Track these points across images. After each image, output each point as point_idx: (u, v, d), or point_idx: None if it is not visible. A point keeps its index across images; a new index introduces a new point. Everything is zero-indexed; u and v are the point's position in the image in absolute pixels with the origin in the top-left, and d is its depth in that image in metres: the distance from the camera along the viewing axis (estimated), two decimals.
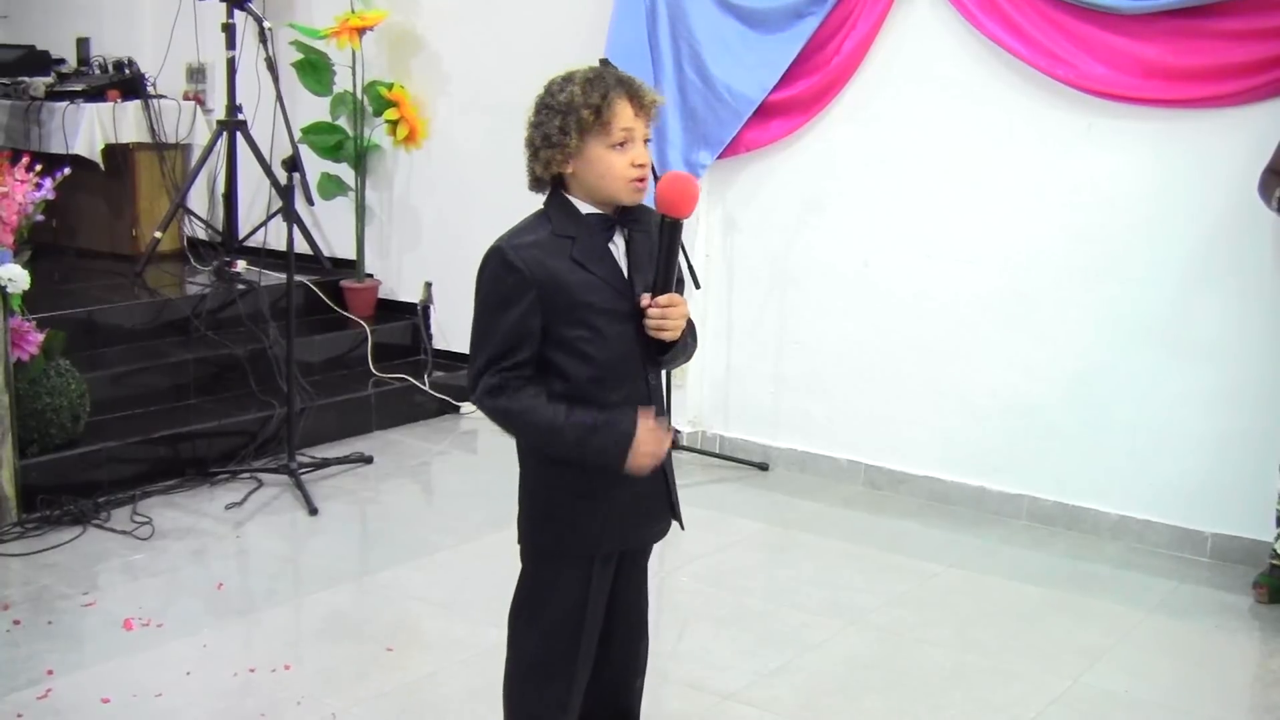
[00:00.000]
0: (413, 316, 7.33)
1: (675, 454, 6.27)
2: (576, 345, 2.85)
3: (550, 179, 2.90)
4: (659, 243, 2.86)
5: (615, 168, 2.83)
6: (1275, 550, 4.78)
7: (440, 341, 7.30)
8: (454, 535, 5.33)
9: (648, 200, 2.92)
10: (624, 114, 2.82)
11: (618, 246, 2.92)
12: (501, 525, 5.37)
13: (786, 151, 6.03)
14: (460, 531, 5.36)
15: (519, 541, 3.08)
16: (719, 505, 5.79)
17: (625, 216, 2.91)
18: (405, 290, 7.42)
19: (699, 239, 6.23)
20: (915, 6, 5.61)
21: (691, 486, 6.03)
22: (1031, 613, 4.72)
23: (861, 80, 5.77)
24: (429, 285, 7.26)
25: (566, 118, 2.81)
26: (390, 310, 7.42)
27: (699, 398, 6.44)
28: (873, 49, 5.71)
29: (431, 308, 7.29)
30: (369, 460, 6.17)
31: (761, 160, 6.08)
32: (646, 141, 2.88)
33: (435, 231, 7.30)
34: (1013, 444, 5.59)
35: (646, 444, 2.85)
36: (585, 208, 2.89)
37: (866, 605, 4.74)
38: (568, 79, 2.86)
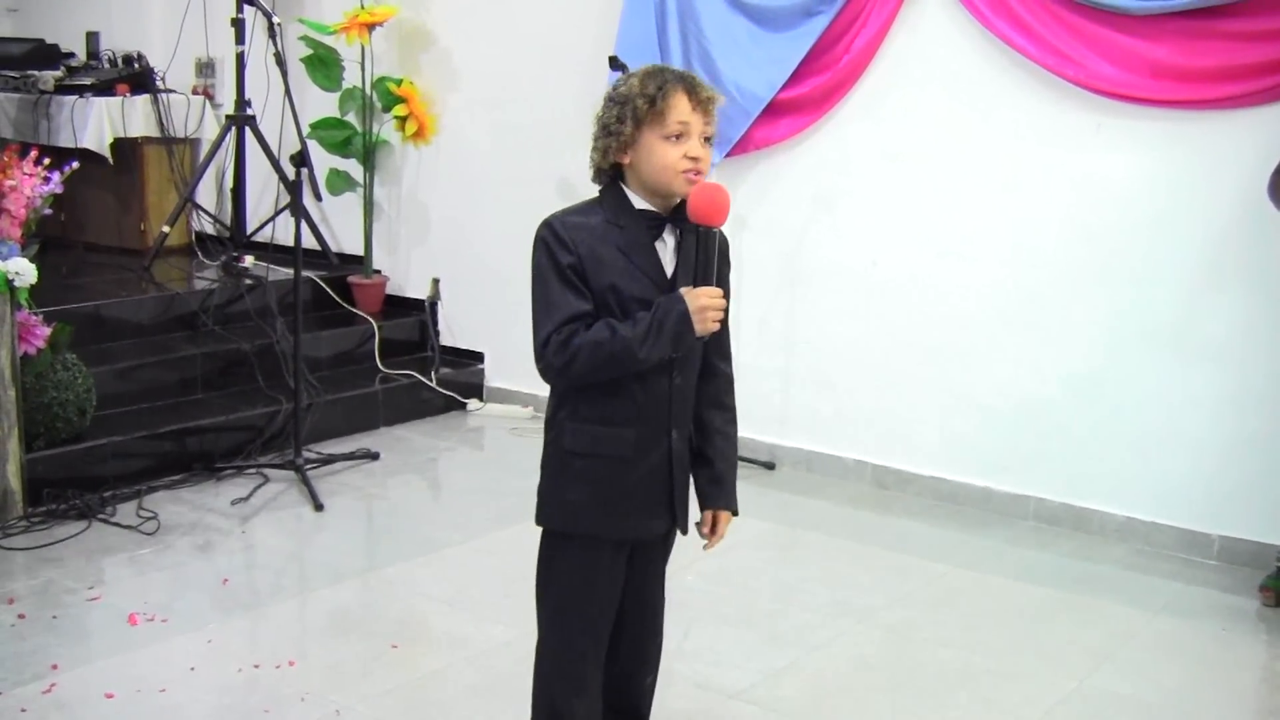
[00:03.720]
0: (420, 313, 7.33)
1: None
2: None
3: (609, 169, 2.96)
4: (694, 250, 2.91)
5: (669, 158, 2.87)
6: None
7: (448, 338, 7.30)
8: (460, 532, 5.32)
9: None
10: (680, 106, 2.87)
11: (666, 244, 2.97)
12: (509, 522, 5.42)
13: (796, 150, 6.02)
14: (467, 528, 5.36)
15: (536, 520, 3.16)
16: None
17: (679, 215, 2.94)
18: (413, 286, 7.42)
19: None
20: (925, 5, 5.60)
21: None
22: (1037, 614, 4.71)
23: (871, 79, 5.76)
24: (437, 281, 7.26)
25: (624, 108, 2.89)
26: (398, 306, 7.42)
27: None
28: (882, 48, 5.70)
29: (439, 304, 7.28)
30: (375, 456, 6.17)
31: (771, 158, 6.07)
32: (708, 140, 2.92)
33: (443, 228, 7.30)
34: (1019, 444, 5.58)
35: (702, 304, 2.90)
36: (640, 202, 2.94)
37: (873, 605, 4.73)
38: (630, 73, 2.96)
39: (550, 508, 3.12)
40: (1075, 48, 5.23)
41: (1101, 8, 5.10)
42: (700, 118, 2.90)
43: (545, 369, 2.95)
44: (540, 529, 3.17)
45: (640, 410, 3.00)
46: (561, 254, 2.90)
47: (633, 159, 2.91)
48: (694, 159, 2.88)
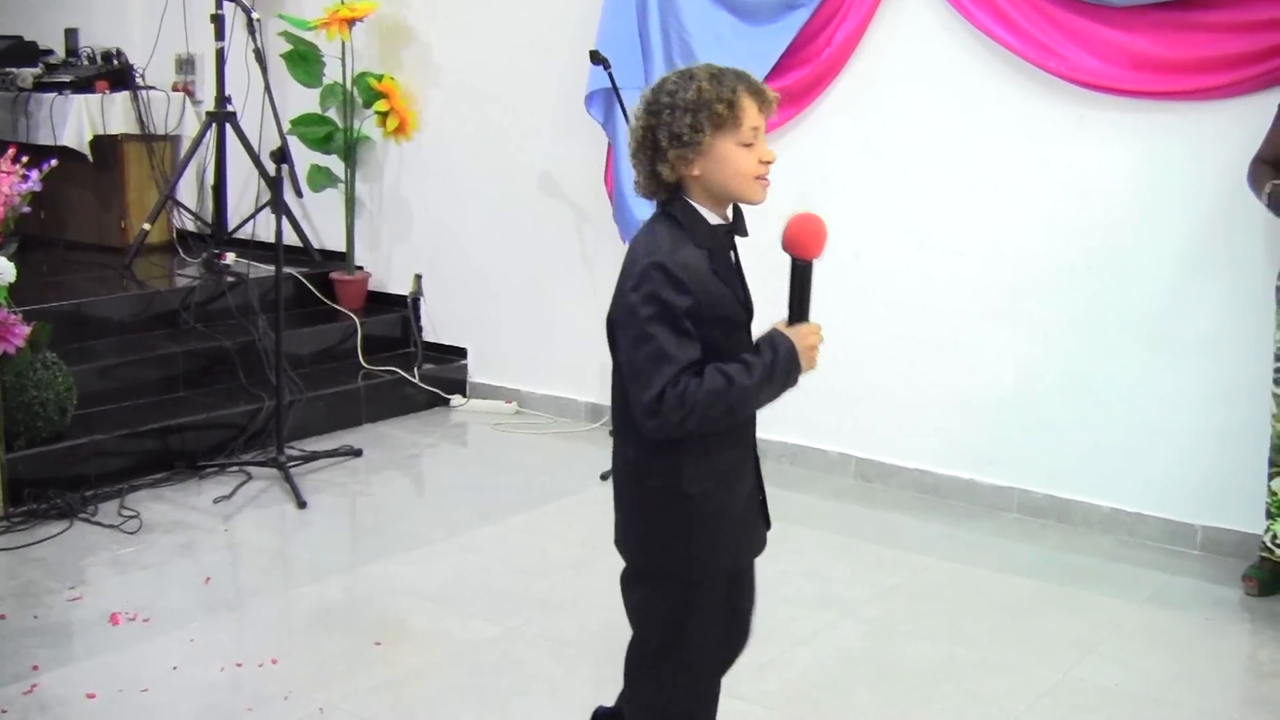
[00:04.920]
0: (403, 309, 7.31)
1: None
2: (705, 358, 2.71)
3: (671, 183, 2.76)
4: (791, 282, 2.82)
5: (745, 165, 2.74)
6: (1265, 543, 4.78)
7: (430, 334, 7.28)
8: (444, 528, 5.31)
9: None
10: (751, 110, 2.74)
11: (734, 256, 2.85)
12: (491, 518, 5.42)
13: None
14: (450, 524, 5.35)
15: (638, 571, 2.93)
16: None
17: (736, 225, 2.84)
18: (395, 282, 7.40)
19: None
20: None
21: None
22: (1022, 606, 4.71)
23: (853, 72, 5.75)
24: (419, 277, 7.24)
25: (698, 114, 2.69)
26: (380, 302, 7.40)
27: None
28: (864, 40, 5.69)
29: (421, 300, 7.27)
30: (358, 453, 6.15)
31: None
32: None
33: (425, 223, 7.28)
34: (1004, 437, 5.58)
35: (810, 343, 2.82)
36: (711, 216, 2.79)
37: (857, 598, 4.73)
38: (687, 75, 2.73)
39: (676, 557, 2.85)
40: (1057, 40, 5.22)
41: (1083, 0, 5.10)
42: (764, 119, 2.79)
43: (660, 426, 2.67)
44: (640, 579, 2.93)
45: (742, 433, 2.90)
46: (678, 298, 2.66)
47: (703, 169, 2.72)
48: (768, 164, 2.78)
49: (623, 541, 2.95)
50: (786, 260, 2.88)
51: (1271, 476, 4.73)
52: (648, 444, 2.76)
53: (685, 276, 2.67)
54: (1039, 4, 5.22)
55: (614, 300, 2.76)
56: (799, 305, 2.83)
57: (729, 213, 2.83)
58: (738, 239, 2.88)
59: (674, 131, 2.69)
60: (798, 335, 2.80)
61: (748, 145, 2.73)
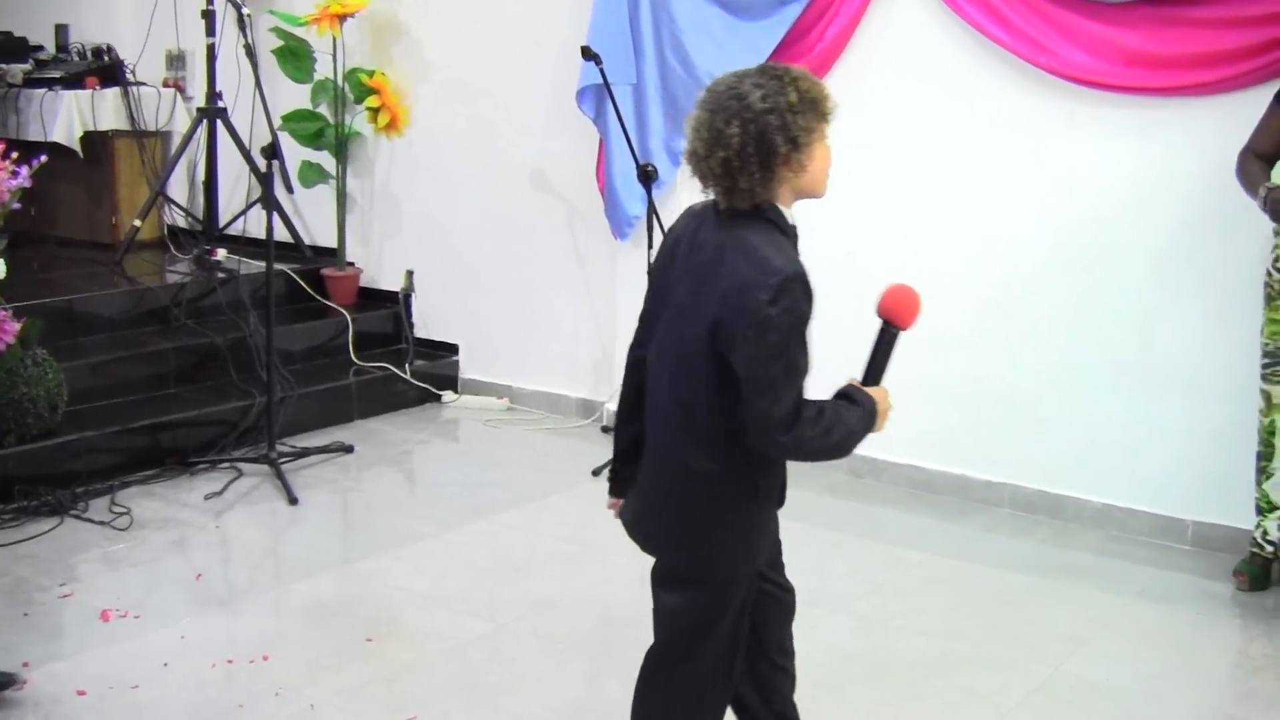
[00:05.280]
0: (394, 305, 7.29)
1: None
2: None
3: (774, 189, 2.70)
4: (876, 345, 2.90)
5: (829, 159, 2.76)
6: (1255, 539, 4.78)
7: (422, 330, 7.27)
8: (435, 525, 5.30)
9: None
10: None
11: None
12: (483, 515, 5.41)
13: None
14: (442, 521, 5.34)
15: (679, 575, 2.94)
16: None
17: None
18: (387, 278, 7.39)
19: None
20: None
21: None
22: (1014, 600, 4.72)
23: (844, 68, 5.75)
24: (410, 273, 7.22)
25: (808, 115, 2.67)
26: (371, 298, 7.38)
27: None
28: (855, 36, 5.69)
29: (413, 296, 7.25)
30: (350, 449, 6.14)
31: None
32: None
33: (417, 219, 7.27)
34: (995, 432, 5.58)
35: (885, 405, 2.87)
36: (789, 217, 2.76)
37: (849, 594, 4.73)
38: (774, 75, 2.68)
39: (736, 559, 2.86)
40: (1048, 35, 5.22)
41: None
42: None
43: (795, 441, 2.67)
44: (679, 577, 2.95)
45: None
46: (809, 310, 2.66)
47: (809, 168, 2.71)
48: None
49: (666, 546, 2.94)
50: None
51: (1260, 472, 4.74)
52: (733, 454, 2.75)
53: (810, 285, 2.67)
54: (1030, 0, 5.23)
55: (734, 310, 2.65)
56: (879, 368, 2.88)
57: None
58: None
59: (791, 135, 2.64)
60: (881, 396, 2.85)
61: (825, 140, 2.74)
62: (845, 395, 2.81)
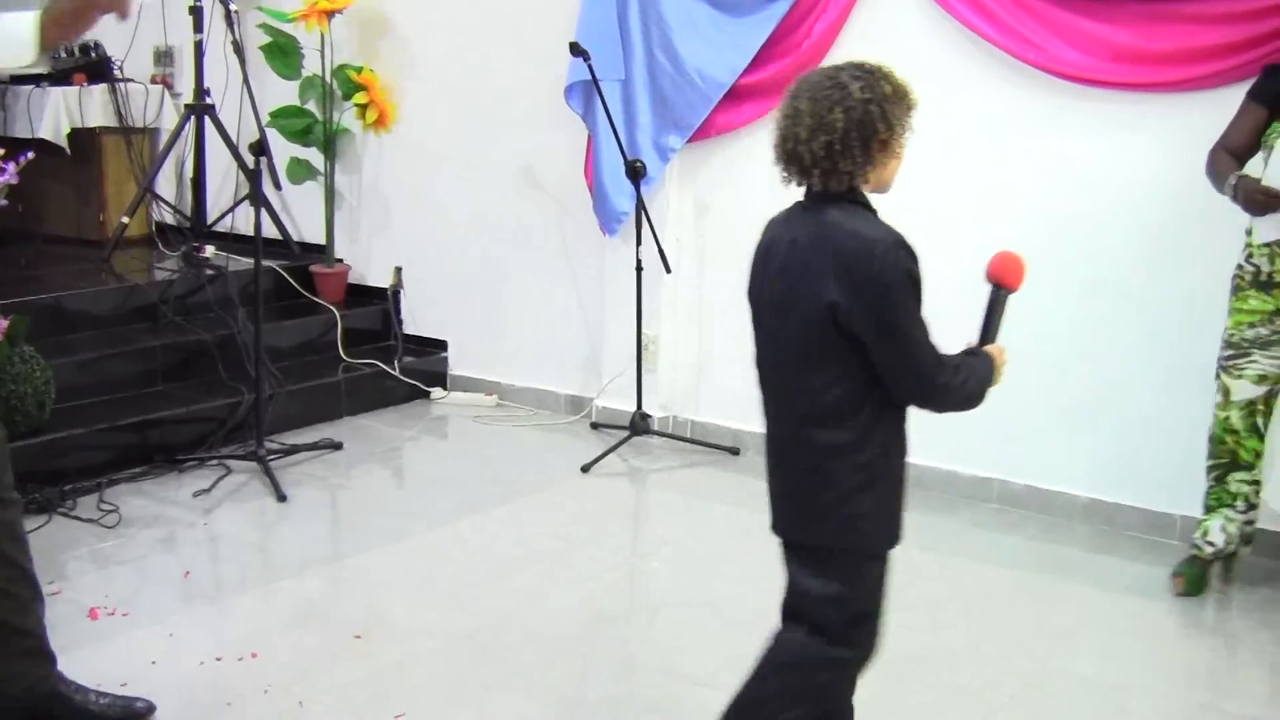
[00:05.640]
0: (383, 301, 7.29)
1: (645, 439, 6.27)
2: None
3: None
4: (989, 307, 3.12)
5: (902, 158, 2.95)
6: (1196, 540, 4.72)
7: (410, 326, 7.27)
8: (424, 521, 5.30)
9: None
10: None
11: None
12: (472, 510, 5.41)
13: (757, 135, 6.00)
14: (431, 517, 5.34)
15: (829, 554, 3.02)
16: (690, 490, 5.79)
17: None
18: (375, 275, 7.38)
19: (669, 223, 6.21)
20: None
21: (663, 471, 6.03)
22: (1003, 596, 4.72)
23: (832, 63, 5.74)
24: (399, 270, 7.23)
25: (902, 104, 2.88)
26: (360, 295, 7.38)
27: (670, 382, 6.42)
28: (843, 32, 5.69)
29: (402, 292, 7.25)
30: (338, 446, 6.14)
31: (732, 144, 6.06)
32: None
33: (405, 216, 7.26)
34: (984, 427, 5.54)
35: (1002, 359, 3.10)
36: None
37: None
38: (867, 69, 2.88)
39: (880, 530, 3.00)
40: (1036, 31, 5.23)
41: None
42: None
43: (944, 388, 2.92)
44: (827, 549, 3.03)
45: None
46: (918, 269, 2.90)
47: (898, 155, 2.94)
48: None
49: (811, 526, 3.03)
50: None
51: (1210, 470, 4.69)
52: (863, 421, 2.88)
53: (914, 250, 2.89)
54: None
55: (854, 286, 2.81)
56: (993, 329, 3.09)
57: None
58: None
59: (891, 122, 2.84)
60: (995, 352, 3.07)
61: None
62: (967, 353, 3.06)
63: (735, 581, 4.80)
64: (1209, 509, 4.70)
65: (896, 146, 2.88)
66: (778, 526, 3.13)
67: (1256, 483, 4.63)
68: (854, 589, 3.02)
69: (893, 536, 3.03)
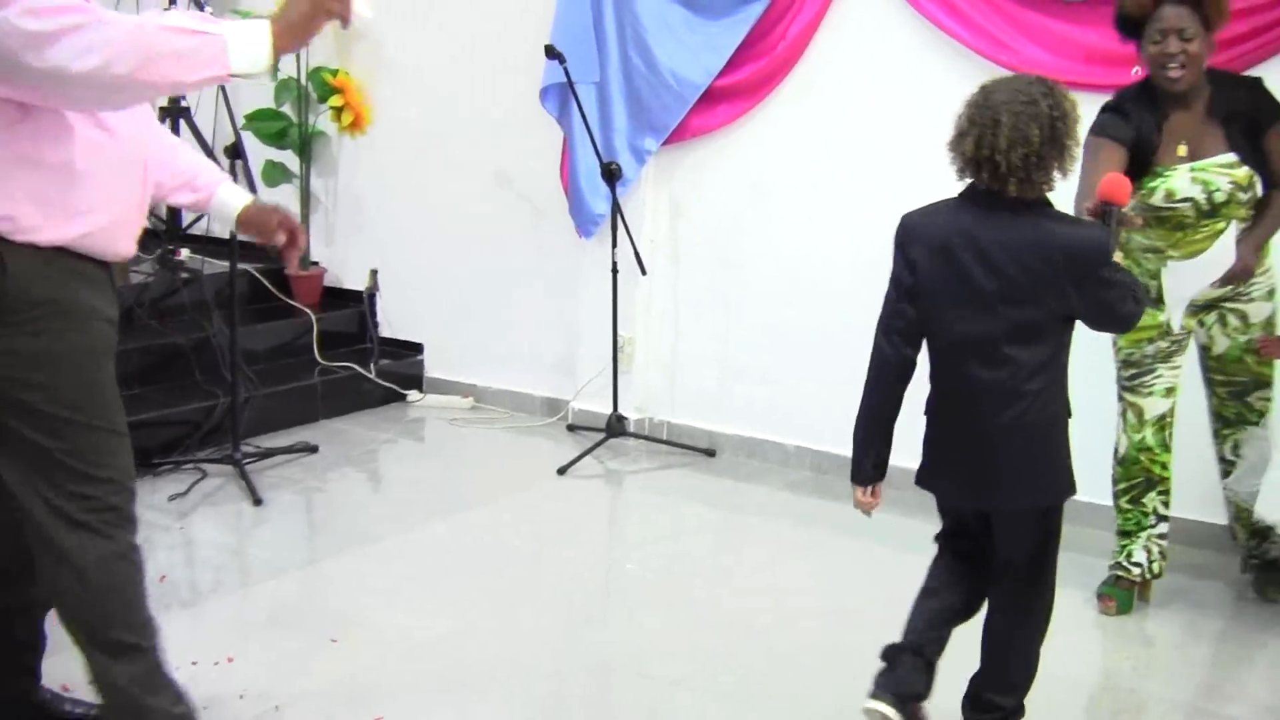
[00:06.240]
0: (359, 304, 7.28)
1: (621, 440, 6.27)
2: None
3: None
4: (1103, 222, 3.32)
5: None
6: (1121, 561, 4.64)
7: (387, 329, 7.25)
8: (400, 524, 5.30)
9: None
10: None
11: None
12: (448, 514, 5.41)
13: (732, 136, 6.03)
14: (407, 520, 5.34)
15: (1061, 498, 3.48)
16: (666, 491, 5.80)
17: None
18: (351, 278, 7.38)
19: (645, 225, 6.22)
20: None
21: (639, 473, 6.04)
22: None
23: (807, 65, 5.77)
24: (375, 273, 7.22)
25: (1077, 121, 3.23)
26: (336, 298, 7.37)
27: (645, 384, 6.43)
28: (818, 34, 5.71)
29: (377, 295, 7.24)
30: (314, 450, 6.13)
31: (707, 145, 6.07)
32: None
33: (381, 219, 7.26)
34: None
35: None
36: None
37: (812, 589, 4.74)
38: (1049, 87, 3.23)
39: (1070, 477, 3.48)
40: (1009, 33, 5.25)
41: None
42: None
43: (1137, 311, 3.32)
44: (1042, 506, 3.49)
45: None
46: None
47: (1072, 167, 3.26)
48: None
49: (1037, 488, 3.43)
50: None
51: (1123, 493, 4.64)
52: (1041, 376, 3.30)
53: None
54: None
55: (1080, 271, 3.18)
56: (1114, 241, 3.33)
57: None
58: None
59: (1075, 137, 3.21)
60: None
61: None
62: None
63: (710, 583, 4.81)
64: (1127, 533, 4.64)
65: (1073, 159, 3.22)
66: (994, 497, 3.46)
67: (1167, 493, 4.60)
68: (1055, 538, 3.64)
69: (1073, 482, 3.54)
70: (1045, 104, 3.15)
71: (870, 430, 3.56)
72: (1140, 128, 4.30)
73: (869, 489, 3.62)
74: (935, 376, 3.42)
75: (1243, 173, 4.27)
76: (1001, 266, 3.22)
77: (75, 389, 3.03)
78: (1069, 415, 3.41)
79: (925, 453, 3.54)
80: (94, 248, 3.00)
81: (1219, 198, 4.28)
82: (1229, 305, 4.48)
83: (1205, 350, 4.61)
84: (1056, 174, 3.19)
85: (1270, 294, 4.49)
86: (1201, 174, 4.29)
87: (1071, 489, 3.46)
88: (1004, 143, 3.16)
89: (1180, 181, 4.30)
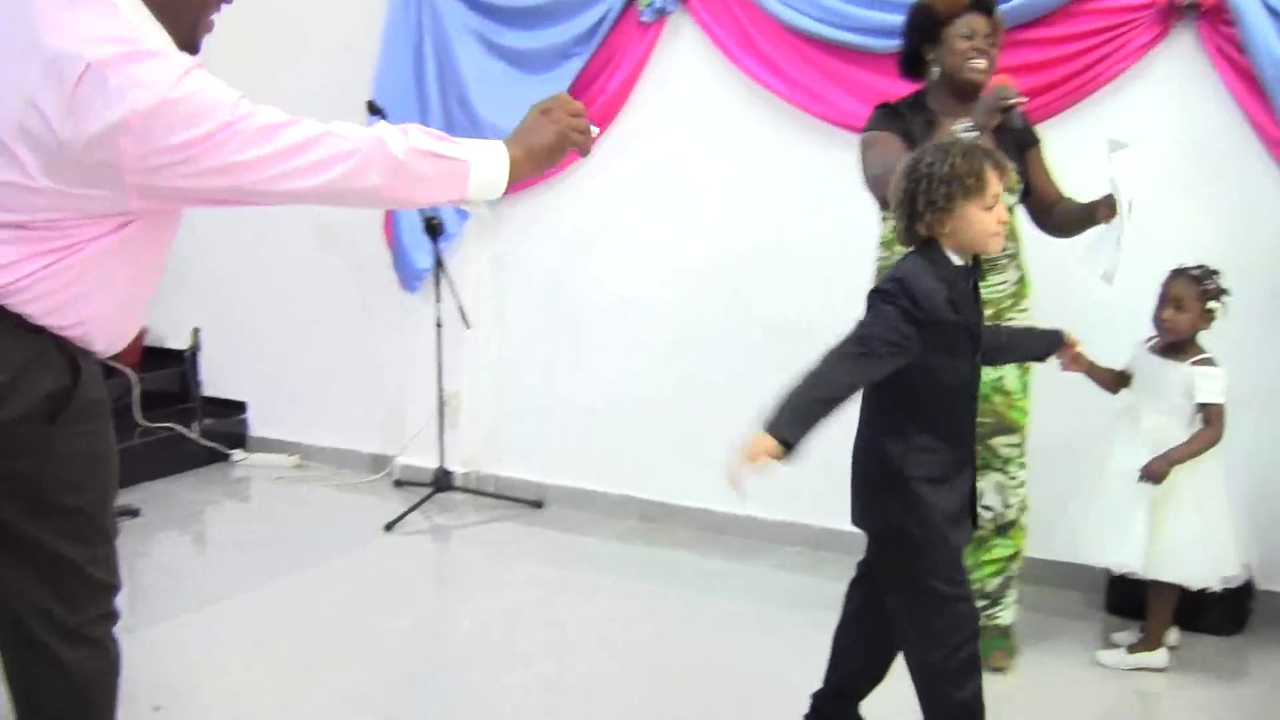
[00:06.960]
0: (181, 364, 7.16)
1: (448, 495, 6.24)
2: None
3: (924, 237, 3.34)
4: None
5: (987, 225, 3.30)
6: (993, 615, 4.56)
7: (210, 389, 7.14)
8: (226, 589, 5.21)
9: None
10: (993, 180, 3.28)
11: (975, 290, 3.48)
12: (275, 575, 5.34)
13: (556, 189, 6.06)
14: (232, 585, 5.25)
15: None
16: (493, 544, 5.78)
17: (975, 268, 3.43)
18: (173, 337, 7.25)
19: (469, 279, 6.22)
20: (678, 45, 5.70)
21: (465, 527, 6.02)
22: (803, 638, 4.75)
23: (628, 118, 5.83)
24: (197, 330, 7.10)
25: (951, 185, 3.25)
26: (158, 357, 7.24)
27: (471, 436, 6.42)
28: (637, 87, 5.78)
29: (200, 354, 7.13)
30: (136, 513, 6.00)
31: (531, 199, 6.09)
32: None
33: (202, 277, 7.15)
34: (781, 472, 5.64)
35: None
36: (955, 259, 3.35)
37: (641, 639, 4.76)
38: (942, 150, 3.30)
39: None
40: (822, 85, 5.36)
41: (844, 45, 5.26)
42: (1002, 187, 3.33)
43: None
44: None
45: None
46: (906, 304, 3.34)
47: (952, 228, 3.29)
48: (1002, 223, 3.34)
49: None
50: None
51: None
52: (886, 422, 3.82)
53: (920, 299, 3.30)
54: (803, 50, 5.37)
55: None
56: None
57: (969, 259, 3.39)
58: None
59: (930, 199, 3.27)
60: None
61: (989, 209, 3.29)
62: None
63: (536, 638, 4.80)
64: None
65: (942, 217, 3.32)
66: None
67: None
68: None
69: None
70: (922, 164, 3.31)
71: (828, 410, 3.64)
72: (911, 128, 4.37)
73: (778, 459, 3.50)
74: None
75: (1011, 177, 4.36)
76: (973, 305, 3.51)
77: (110, 490, 2.95)
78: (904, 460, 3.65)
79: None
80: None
81: None
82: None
83: None
84: (916, 226, 3.34)
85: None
86: None
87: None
88: (894, 204, 3.42)
89: None
